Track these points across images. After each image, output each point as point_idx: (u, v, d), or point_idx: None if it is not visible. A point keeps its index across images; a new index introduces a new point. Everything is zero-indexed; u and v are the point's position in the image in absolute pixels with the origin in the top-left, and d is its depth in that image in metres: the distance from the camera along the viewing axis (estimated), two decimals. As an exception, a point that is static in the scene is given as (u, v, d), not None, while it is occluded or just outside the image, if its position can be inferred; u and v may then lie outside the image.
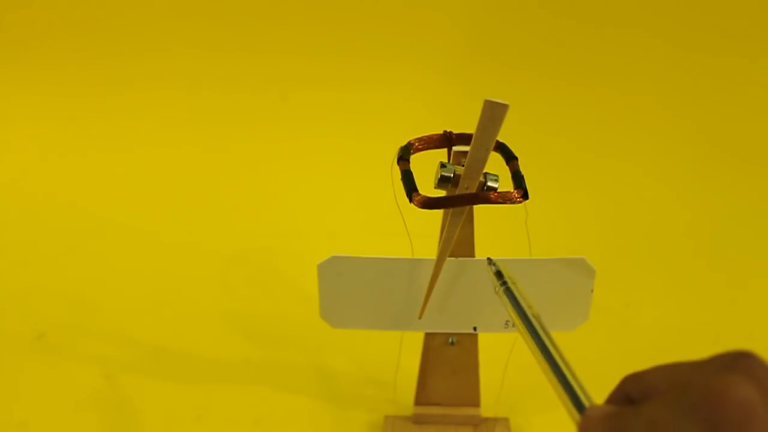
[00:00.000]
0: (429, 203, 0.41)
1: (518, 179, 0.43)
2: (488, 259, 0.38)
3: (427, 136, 0.45)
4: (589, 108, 0.99)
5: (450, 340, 0.51)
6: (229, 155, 0.99)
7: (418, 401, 0.54)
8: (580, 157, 0.97)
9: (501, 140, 0.45)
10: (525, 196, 0.42)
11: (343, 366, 0.64)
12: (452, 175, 0.41)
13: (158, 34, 1.02)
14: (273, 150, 0.99)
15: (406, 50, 1.01)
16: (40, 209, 0.91)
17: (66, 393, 0.60)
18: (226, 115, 1.02)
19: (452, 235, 0.44)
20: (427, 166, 0.44)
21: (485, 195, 0.41)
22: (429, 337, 0.51)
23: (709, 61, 0.98)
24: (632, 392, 0.25)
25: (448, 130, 0.44)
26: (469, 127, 0.39)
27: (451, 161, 0.44)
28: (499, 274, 0.35)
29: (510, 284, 0.34)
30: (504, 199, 0.41)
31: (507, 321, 0.49)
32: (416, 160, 0.44)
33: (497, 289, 0.35)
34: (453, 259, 0.46)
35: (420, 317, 0.48)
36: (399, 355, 0.53)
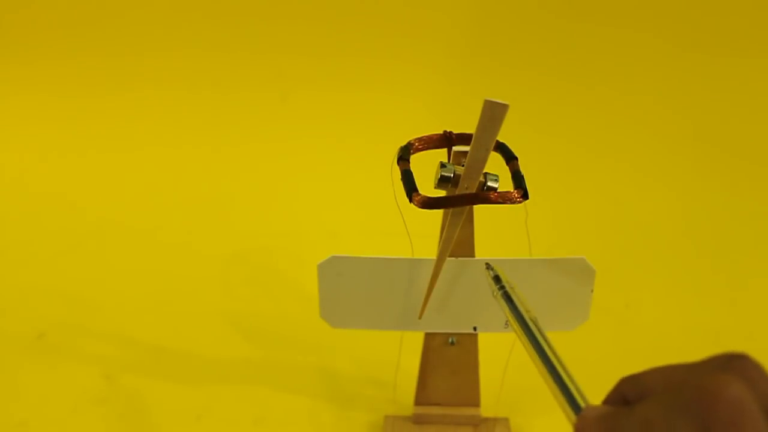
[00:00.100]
0: (429, 203, 0.41)
1: (518, 179, 0.43)
2: (486, 264, 0.38)
3: (427, 136, 0.45)
4: (589, 108, 0.99)
5: (450, 340, 0.51)
6: (229, 155, 0.99)
7: (418, 401, 0.54)
8: (580, 157, 0.97)
9: (501, 140, 0.45)
10: (525, 196, 0.42)
11: (343, 366, 0.64)
12: (452, 175, 0.41)
13: (158, 34, 1.02)
14: (273, 150, 0.99)
15: (406, 50, 1.01)
16: (39, 209, 0.91)
17: (66, 393, 0.60)
18: (226, 115, 1.02)
19: (452, 235, 0.44)
20: (427, 166, 0.44)
21: (485, 195, 0.41)
22: (429, 337, 0.51)
23: (709, 61, 0.98)
24: (628, 393, 0.25)
25: (448, 130, 0.44)
26: (469, 127, 0.39)
27: (451, 161, 0.44)
28: (497, 279, 0.36)
29: (508, 288, 0.35)
30: (504, 199, 0.41)
31: (507, 321, 0.49)
32: (416, 160, 0.44)
33: (495, 293, 0.36)
34: (453, 259, 0.46)
35: (420, 317, 0.48)
36: (399, 355, 0.53)
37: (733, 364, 0.22)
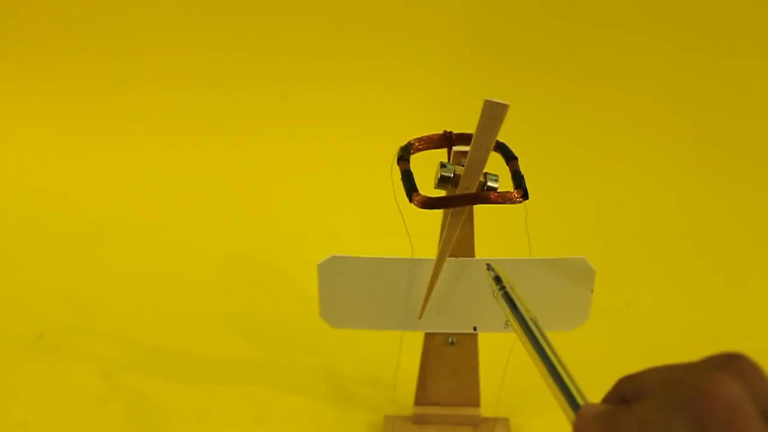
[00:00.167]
0: (429, 203, 0.41)
1: (518, 179, 0.43)
2: (487, 264, 0.39)
3: (427, 136, 0.45)
4: (589, 108, 0.99)
5: (450, 340, 0.51)
6: (229, 155, 0.99)
7: (418, 401, 0.54)
8: (580, 157, 0.98)
9: (501, 140, 0.45)
10: (525, 196, 0.42)
11: (343, 366, 0.64)
12: (452, 175, 0.41)
13: (158, 34, 1.02)
14: (273, 150, 0.99)
15: (406, 50, 1.01)
16: (39, 209, 0.91)
17: (66, 393, 0.60)
18: (226, 115, 1.02)
19: (452, 235, 0.44)
20: (427, 166, 0.44)
21: (485, 195, 0.41)
22: (429, 337, 0.51)
23: (709, 61, 0.98)
24: (627, 392, 0.26)
25: (448, 130, 0.44)
26: (469, 127, 0.39)
27: (451, 161, 0.44)
28: (497, 279, 0.37)
29: (508, 289, 0.36)
30: (504, 199, 0.41)
31: (507, 321, 0.49)
32: (416, 160, 0.44)
33: (496, 293, 0.36)
34: (453, 259, 0.46)
35: (420, 317, 0.49)
36: (399, 355, 0.53)
37: (730, 363, 0.22)
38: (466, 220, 0.44)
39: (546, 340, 0.31)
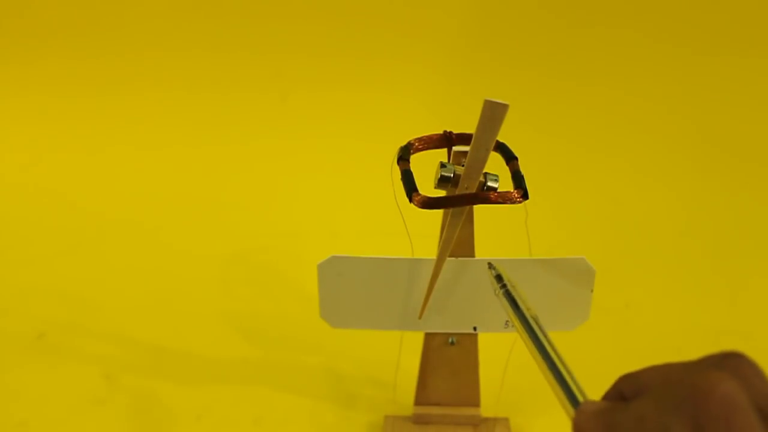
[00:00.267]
0: (429, 203, 0.41)
1: (518, 179, 0.43)
2: (489, 263, 0.39)
3: (427, 136, 0.45)
4: (589, 108, 0.99)
5: (450, 340, 0.51)
6: (229, 155, 0.99)
7: (418, 401, 0.54)
8: (580, 157, 0.98)
9: (501, 140, 0.45)
10: (525, 196, 0.42)
11: (343, 366, 0.64)
12: (452, 175, 0.41)
13: (158, 34, 1.02)
14: (273, 150, 0.99)
15: (406, 50, 1.01)
16: (39, 209, 0.91)
17: (66, 393, 0.60)
18: (226, 115, 1.02)
19: (452, 235, 0.44)
20: (427, 166, 0.44)
21: (485, 195, 0.41)
22: (429, 337, 0.51)
23: (709, 61, 0.98)
24: (626, 390, 0.26)
25: (448, 130, 0.44)
26: (469, 127, 0.39)
27: (451, 161, 0.44)
28: (498, 278, 0.37)
29: (509, 287, 0.36)
30: (504, 199, 0.41)
31: (507, 321, 0.49)
32: (416, 160, 0.44)
33: (497, 292, 0.37)
34: (453, 259, 0.46)
35: (420, 317, 0.49)
36: (399, 355, 0.54)
37: (728, 362, 0.23)
38: (466, 220, 0.44)
39: (546, 337, 0.31)
